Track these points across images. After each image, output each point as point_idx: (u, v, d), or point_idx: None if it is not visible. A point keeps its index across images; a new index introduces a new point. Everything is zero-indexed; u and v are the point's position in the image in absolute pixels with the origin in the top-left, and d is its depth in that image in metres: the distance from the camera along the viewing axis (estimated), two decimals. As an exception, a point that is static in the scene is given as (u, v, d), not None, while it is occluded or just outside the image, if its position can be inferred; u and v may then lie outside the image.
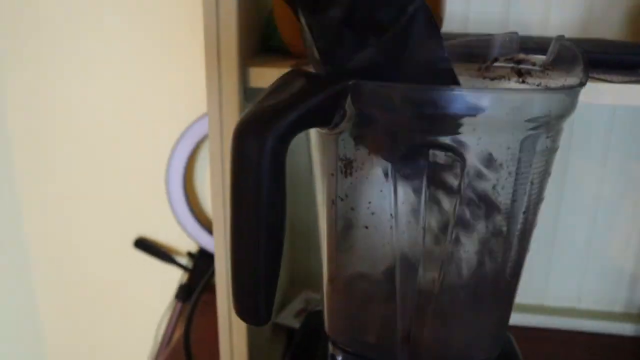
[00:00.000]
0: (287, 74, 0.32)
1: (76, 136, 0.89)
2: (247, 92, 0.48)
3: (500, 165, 0.31)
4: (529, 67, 0.41)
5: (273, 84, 0.32)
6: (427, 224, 0.33)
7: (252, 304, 0.32)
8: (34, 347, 1.04)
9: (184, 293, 0.90)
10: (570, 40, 0.39)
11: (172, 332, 0.91)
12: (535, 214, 0.34)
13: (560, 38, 0.39)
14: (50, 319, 1.02)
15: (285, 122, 0.29)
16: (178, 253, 0.93)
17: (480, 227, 0.33)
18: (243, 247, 0.30)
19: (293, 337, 0.72)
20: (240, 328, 0.56)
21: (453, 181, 0.31)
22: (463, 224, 0.32)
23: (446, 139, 0.30)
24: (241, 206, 0.30)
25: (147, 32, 0.82)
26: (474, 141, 0.30)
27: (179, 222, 0.87)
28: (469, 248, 0.34)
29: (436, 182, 0.31)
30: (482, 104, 0.28)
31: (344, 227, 0.34)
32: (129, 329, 0.99)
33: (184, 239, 0.90)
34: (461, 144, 0.30)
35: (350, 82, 0.29)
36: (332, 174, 0.33)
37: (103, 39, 0.83)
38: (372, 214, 0.33)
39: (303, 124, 0.30)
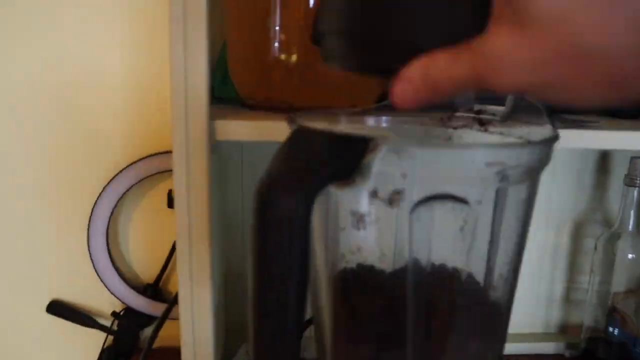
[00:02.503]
0: (297, 131, 0.33)
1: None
2: (214, 146, 0.48)
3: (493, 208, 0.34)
4: (489, 117, 0.45)
5: (287, 143, 0.32)
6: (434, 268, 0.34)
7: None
8: None
9: (109, 358, 0.83)
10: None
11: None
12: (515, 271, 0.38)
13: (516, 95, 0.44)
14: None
15: (317, 180, 0.29)
16: (100, 315, 0.86)
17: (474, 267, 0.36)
18: (270, 302, 0.30)
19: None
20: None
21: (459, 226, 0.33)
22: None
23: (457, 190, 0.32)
24: (271, 270, 0.29)
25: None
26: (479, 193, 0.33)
27: (103, 281, 0.82)
28: (468, 290, 0.36)
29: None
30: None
31: (352, 278, 0.35)
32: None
33: (107, 299, 0.84)
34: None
35: (372, 140, 0.30)
36: (343, 228, 0.34)
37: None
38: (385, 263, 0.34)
39: (329, 182, 0.30)
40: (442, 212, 0.33)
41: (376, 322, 0.36)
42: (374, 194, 0.32)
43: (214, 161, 0.63)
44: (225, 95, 0.58)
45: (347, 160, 0.31)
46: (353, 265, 0.35)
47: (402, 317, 0.35)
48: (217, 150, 0.55)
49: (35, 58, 0.77)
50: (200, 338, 0.51)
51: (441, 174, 0.31)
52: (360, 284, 0.36)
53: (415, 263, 0.34)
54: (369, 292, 0.36)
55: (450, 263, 0.35)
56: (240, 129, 0.47)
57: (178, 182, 0.46)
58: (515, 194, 0.35)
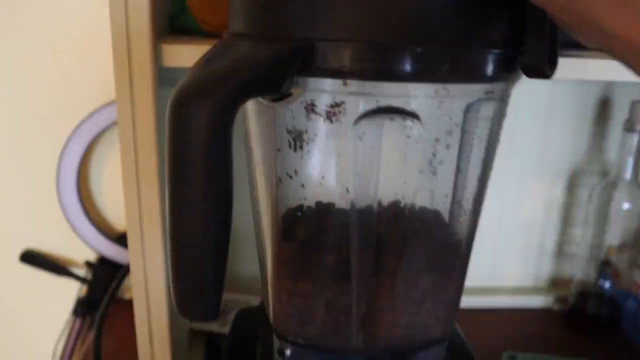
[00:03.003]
0: (227, 37, 0.29)
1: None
2: (161, 73, 0.44)
3: (449, 131, 0.30)
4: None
5: (210, 50, 0.28)
6: (383, 196, 0.31)
7: (198, 299, 0.28)
8: None
9: (84, 308, 0.81)
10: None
11: (72, 353, 0.82)
12: (484, 182, 0.33)
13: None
14: None
15: (233, 87, 0.25)
16: (74, 264, 0.84)
17: (433, 197, 0.32)
18: (188, 233, 0.26)
19: (214, 340, 0.68)
20: (162, 340, 0.51)
21: (412, 148, 0.29)
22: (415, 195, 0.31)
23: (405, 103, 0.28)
24: (183, 185, 0.26)
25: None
26: (432, 105, 0.29)
27: (75, 230, 0.79)
28: (424, 221, 0.32)
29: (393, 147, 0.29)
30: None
31: (293, 208, 0.31)
32: (23, 354, 0.88)
33: (80, 248, 0.81)
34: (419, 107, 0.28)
35: (304, 42, 0.26)
36: (279, 150, 0.30)
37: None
38: (327, 189, 0.30)
39: (252, 90, 0.26)
40: (391, 130, 0.29)
41: (320, 255, 0.33)
42: (311, 108, 0.28)
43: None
44: (184, 25, 0.53)
45: (276, 64, 0.26)
46: (291, 191, 0.31)
47: (346, 249, 0.32)
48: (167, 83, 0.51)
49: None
50: (155, 290, 0.48)
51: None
52: (303, 218, 0.33)
53: (361, 190, 0.30)
54: (312, 224, 0.32)
55: (399, 191, 0.31)
56: (192, 53, 0.42)
57: (122, 119, 0.42)
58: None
